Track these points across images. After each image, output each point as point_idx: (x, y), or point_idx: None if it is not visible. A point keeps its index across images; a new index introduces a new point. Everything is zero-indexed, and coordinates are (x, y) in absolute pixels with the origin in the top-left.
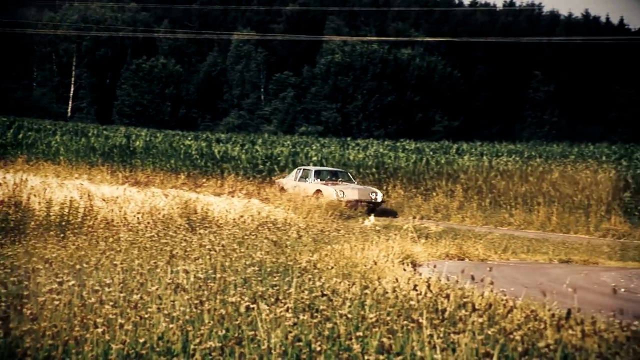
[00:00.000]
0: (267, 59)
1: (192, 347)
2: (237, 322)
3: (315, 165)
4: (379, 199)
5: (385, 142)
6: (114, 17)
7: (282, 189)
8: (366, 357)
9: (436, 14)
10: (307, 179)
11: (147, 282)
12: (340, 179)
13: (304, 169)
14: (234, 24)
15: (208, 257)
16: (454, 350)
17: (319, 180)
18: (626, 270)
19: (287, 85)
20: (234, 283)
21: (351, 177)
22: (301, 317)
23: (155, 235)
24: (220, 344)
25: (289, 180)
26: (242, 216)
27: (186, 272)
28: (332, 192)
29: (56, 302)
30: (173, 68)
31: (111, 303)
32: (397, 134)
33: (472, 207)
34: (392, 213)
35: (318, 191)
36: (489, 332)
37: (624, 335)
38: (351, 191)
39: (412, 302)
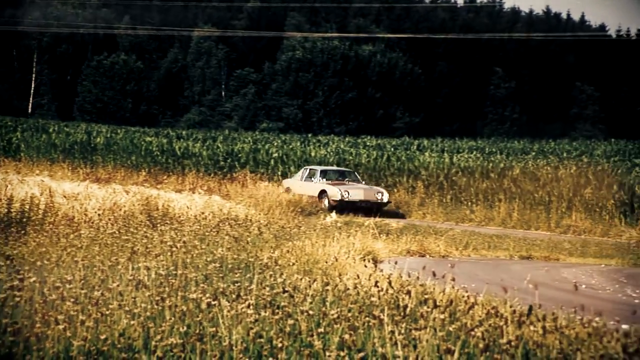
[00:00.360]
0: (227, 55)
1: (153, 343)
2: (198, 319)
3: (321, 164)
4: (385, 199)
5: (346, 139)
6: (75, 14)
7: (287, 190)
8: (327, 354)
9: (397, 10)
10: (312, 179)
11: (108, 279)
12: (347, 179)
13: (310, 169)
14: (195, 20)
15: (169, 253)
16: (415, 347)
17: (324, 180)
18: (587, 266)
19: (248, 81)
20: (195, 279)
21: (358, 176)
22: (262, 313)
23: (117, 232)
24: (181, 341)
25: (295, 181)
26: (203, 213)
27: (147, 268)
28: (336, 192)
29: (17, 299)
30: (134, 64)
31: (72, 300)
32: (358, 130)
33: (433, 204)
34: (399, 215)
35: (323, 191)
36: (450, 329)
37: (585, 331)
38: (356, 191)
39: (373, 299)
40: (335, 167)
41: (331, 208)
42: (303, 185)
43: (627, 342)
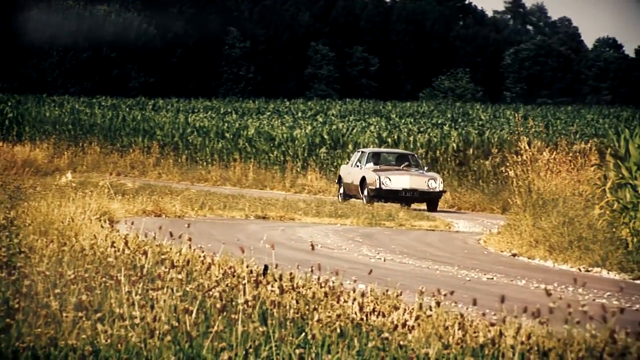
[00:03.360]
0: None
1: None
2: None
3: (379, 146)
4: (439, 188)
5: (81, 99)
6: None
7: (339, 180)
8: (65, 314)
9: None
10: (359, 164)
11: None
12: (404, 163)
13: (361, 152)
14: None
15: None
16: (152, 307)
17: (372, 164)
18: (323, 226)
19: None
20: None
21: (419, 160)
22: None
23: None
24: None
25: (347, 167)
26: None
27: None
28: (375, 179)
29: None
30: None
31: None
32: (93, 90)
33: (168, 164)
34: None
35: (363, 179)
36: (188, 289)
37: (322, 291)
38: (400, 178)
39: (110, 259)
40: (390, 149)
41: (369, 199)
42: (352, 172)
43: (364, 302)
